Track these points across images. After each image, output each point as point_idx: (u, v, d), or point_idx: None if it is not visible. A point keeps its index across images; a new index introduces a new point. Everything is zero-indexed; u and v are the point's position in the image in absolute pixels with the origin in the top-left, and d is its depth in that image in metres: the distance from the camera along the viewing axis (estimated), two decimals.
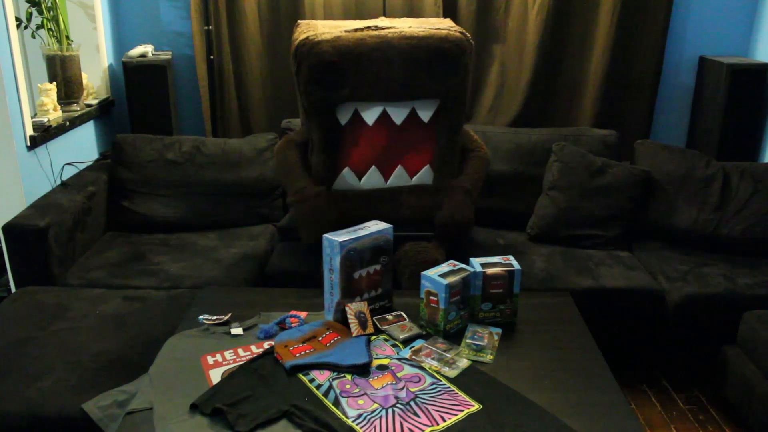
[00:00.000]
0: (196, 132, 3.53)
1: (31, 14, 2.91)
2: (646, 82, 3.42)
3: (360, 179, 2.55)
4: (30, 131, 2.71)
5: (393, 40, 2.42)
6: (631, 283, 2.63)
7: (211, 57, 3.38)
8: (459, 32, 2.49)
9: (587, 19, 3.37)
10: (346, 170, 2.54)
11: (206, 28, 3.34)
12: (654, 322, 2.64)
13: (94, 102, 3.25)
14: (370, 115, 2.50)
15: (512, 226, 3.08)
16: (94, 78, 3.35)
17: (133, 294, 2.34)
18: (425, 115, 2.52)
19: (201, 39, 3.35)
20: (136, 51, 3.24)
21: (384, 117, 2.50)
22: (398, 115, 2.50)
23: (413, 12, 3.39)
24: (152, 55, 3.30)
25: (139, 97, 3.23)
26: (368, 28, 2.46)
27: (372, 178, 2.55)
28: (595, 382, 1.67)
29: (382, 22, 2.56)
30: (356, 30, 2.45)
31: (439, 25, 2.53)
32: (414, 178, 2.57)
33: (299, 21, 2.72)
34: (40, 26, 2.97)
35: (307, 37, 2.42)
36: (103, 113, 3.36)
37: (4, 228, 2.47)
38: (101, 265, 2.65)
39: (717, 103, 3.26)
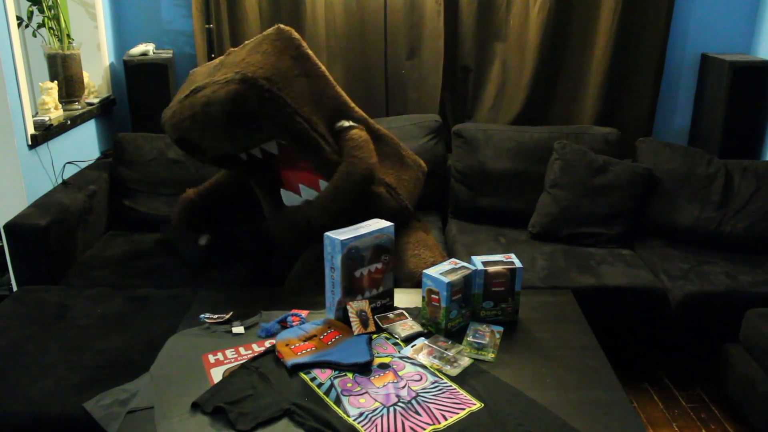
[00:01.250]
0: None
1: (32, 13, 2.91)
2: (648, 80, 3.42)
3: (296, 194, 2.54)
4: (31, 130, 2.71)
5: (197, 111, 2.28)
6: (633, 282, 2.63)
7: (213, 56, 3.38)
8: (239, 80, 2.21)
9: (589, 17, 3.36)
10: (282, 191, 2.57)
11: (207, 26, 3.34)
12: (656, 320, 2.64)
13: (96, 101, 3.24)
14: (249, 156, 2.50)
15: (514, 225, 3.07)
16: (96, 77, 3.35)
17: (134, 293, 2.34)
18: (274, 149, 2.45)
19: (202, 37, 3.35)
20: (138, 50, 3.23)
21: (255, 156, 2.48)
22: (259, 152, 2.47)
23: (414, 9, 3.38)
24: (153, 53, 3.30)
25: (141, 96, 3.23)
26: (188, 96, 2.34)
27: (288, 197, 2.55)
28: (597, 380, 1.67)
29: (214, 67, 2.45)
30: (180, 101, 2.37)
31: (226, 74, 2.27)
32: (318, 192, 2.49)
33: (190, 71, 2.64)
34: (41, 25, 2.97)
35: (164, 112, 2.47)
36: (104, 112, 3.36)
37: (5, 227, 2.47)
38: (102, 264, 2.65)
39: (719, 100, 3.26)
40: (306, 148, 2.38)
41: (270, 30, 2.39)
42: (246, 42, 2.46)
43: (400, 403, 1.54)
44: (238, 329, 1.86)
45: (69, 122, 2.95)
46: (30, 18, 2.91)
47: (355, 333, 1.80)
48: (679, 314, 2.58)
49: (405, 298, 2.03)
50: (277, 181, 2.58)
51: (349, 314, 1.83)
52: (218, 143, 2.40)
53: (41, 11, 2.92)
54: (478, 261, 1.94)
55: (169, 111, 2.42)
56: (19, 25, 2.76)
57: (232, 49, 2.52)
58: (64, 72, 3.03)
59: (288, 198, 2.55)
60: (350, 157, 2.40)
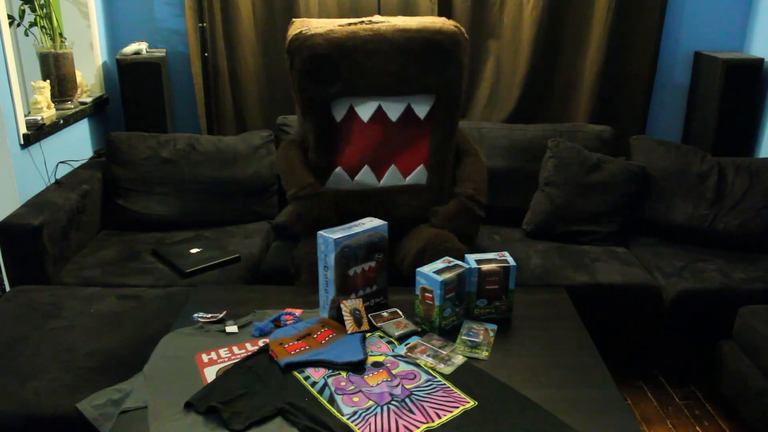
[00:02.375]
0: (190, 129, 3.51)
1: (24, 12, 2.89)
2: (642, 78, 3.42)
3: (353, 178, 2.52)
4: (23, 129, 2.70)
5: (386, 33, 2.41)
6: (628, 279, 2.63)
7: (206, 54, 3.37)
8: (454, 26, 2.49)
9: (582, 15, 3.37)
10: (338, 169, 2.52)
11: (201, 25, 3.33)
12: (650, 317, 2.64)
13: (88, 100, 3.23)
14: (365, 111, 2.48)
15: (508, 223, 3.08)
16: (88, 76, 3.34)
17: (127, 292, 2.34)
18: (421, 111, 2.50)
19: (195, 36, 3.34)
20: (131, 48, 3.22)
21: (379, 113, 2.48)
22: (394, 111, 2.49)
23: (408, 8, 3.38)
24: (146, 52, 3.29)
25: (134, 95, 3.22)
26: (362, 22, 2.47)
27: (364, 177, 2.52)
28: (591, 378, 1.67)
29: (376, 18, 2.56)
30: (349, 24, 2.45)
31: (434, 20, 2.53)
32: (408, 178, 2.53)
33: (293, 19, 2.71)
34: (33, 24, 2.95)
35: (300, 32, 2.42)
36: (97, 111, 3.34)
37: None
38: (96, 263, 2.64)
39: (712, 98, 3.26)
40: (454, 117, 2.53)
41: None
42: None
43: (393, 402, 1.54)
44: (231, 328, 1.85)
45: (62, 121, 2.94)
46: (22, 17, 2.89)
47: (349, 332, 1.80)
48: (673, 311, 2.59)
49: (399, 296, 2.03)
50: (330, 158, 2.52)
51: (343, 313, 1.83)
52: (378, 78, 2.43)
53: (33, 10, 2.91)
54: (471, 259, 1.94)
55: (318, 30, 2.42)
56: (10, 23, 2.74)
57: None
58: (57, 71, 3.02)
59: (343, 179, 2.52)
60: (473, 149, 2.69)
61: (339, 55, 2.39)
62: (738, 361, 2.37)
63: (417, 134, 2.52)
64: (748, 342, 2.35)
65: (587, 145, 3.08)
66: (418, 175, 2.54)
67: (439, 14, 3.33)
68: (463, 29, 2.51)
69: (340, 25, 2.44)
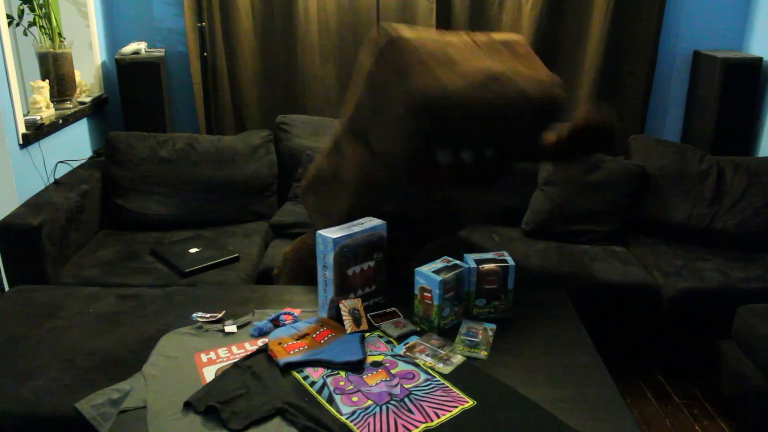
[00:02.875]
0: (189, 129, 3.52)
1: (23, 11, 2.89)
2: (640, 77, 3.42)
3: None
4: (23, 129, 2.70)
5: (513, 97, 2.03)
6: (627, 279, 2.63)
7: (205, 54, 3.37)
8: (560, 84, 2.17)
9: (581, 14, 3.37)
10: None
11: (200, 24, 3.33)
12: (649, 317, 2.64)
13: (87, 100, 3.23)
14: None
15: (507, 222, 3.08)
16: (87, 75, 3.34)
17: (126, 292, 2.34)
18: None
19: (194, 36, 3.34)
20: (129, 48, 3.22)
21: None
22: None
23: (406, 8, 3.38)
24: (145, 52, 3.29)
25: (133, 95, 3.22)
26: (486, 74, 2.00)
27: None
28: (590, 377, 1.67)
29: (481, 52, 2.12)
30: (483, 73, 2.00)
31: (541, 72, 2.16)
32: None
33: (383, 26, 2.06)
34: (32, 23, 2.95)
35: (435, 90, 1.92)
36: (96, 111, 3.34)
37: None
38: (95, 263, 2.64)
39: (711, 97, 3.26)
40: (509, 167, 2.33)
41: (518, 37, 2.28)
42: (481, 34, 2.20)
43: (392, 401, 1.54)
44: (230, 328, 1.85)
45: (61, 121, 2.94)
46: (21, 16, 2.89)
47: (348, 331, 1.80)
48: (672, 311, 2.59)
49: (397, 296, 2.03)
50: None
51: (342, 313, 1.83)
52: (499, 132, 2.10)
53: (32, 10, 2.91)
54: (470, 259, 1.94)
55: (463, 81, 1.95)
56: (9, 23, 2.74)
57: (476, 34, 2.21)
58: (56, 71, 3.02)
59: None
60: None
61: (486, 118, 2.02)
62: (736, 360, 2.37)
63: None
64: (747, 341, 2.35)
65: None
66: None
67: (437, 14, 3.33)
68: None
69: (466, 74, 1.98)
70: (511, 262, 1.93)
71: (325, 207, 2.27)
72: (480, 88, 1.97)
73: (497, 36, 2.22)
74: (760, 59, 3.22)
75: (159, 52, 3.31)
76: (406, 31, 2.00)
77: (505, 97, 2.01)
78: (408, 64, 1.94)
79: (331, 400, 1.54)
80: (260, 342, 1.78)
